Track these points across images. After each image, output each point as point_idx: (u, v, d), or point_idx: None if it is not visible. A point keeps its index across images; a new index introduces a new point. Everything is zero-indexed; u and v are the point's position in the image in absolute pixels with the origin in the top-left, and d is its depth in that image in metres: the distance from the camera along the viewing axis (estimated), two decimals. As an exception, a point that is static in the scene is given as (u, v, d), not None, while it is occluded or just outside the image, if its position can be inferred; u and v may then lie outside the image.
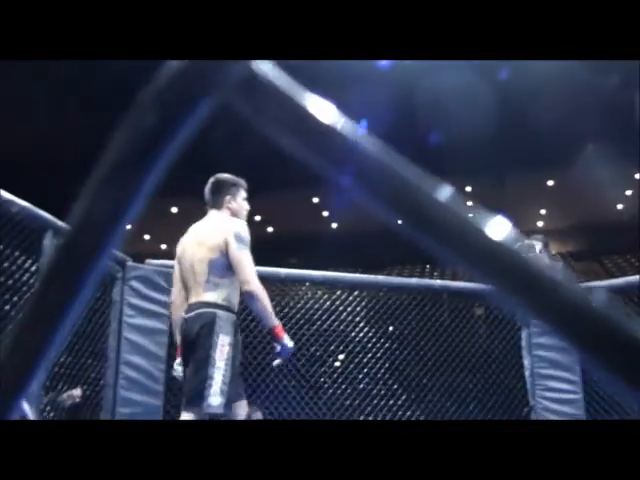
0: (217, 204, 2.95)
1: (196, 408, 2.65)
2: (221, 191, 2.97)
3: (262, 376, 4.83)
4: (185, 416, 2.71)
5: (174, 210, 16.57)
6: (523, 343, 4.83)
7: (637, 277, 4.22)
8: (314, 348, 5.04)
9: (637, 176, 15.23)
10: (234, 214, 2.93)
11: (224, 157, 13.76)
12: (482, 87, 12.13)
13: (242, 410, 2.80)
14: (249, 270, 2.73)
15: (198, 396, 2.63)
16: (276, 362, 2.90)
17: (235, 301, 2.82)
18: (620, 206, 16.95)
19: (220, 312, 2.71)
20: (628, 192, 16.23)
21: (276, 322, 2.77)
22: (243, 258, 2.73)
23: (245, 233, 2.80)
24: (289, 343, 2.76)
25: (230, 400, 2.69)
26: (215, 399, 2.61)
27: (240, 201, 3.01)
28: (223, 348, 2.67)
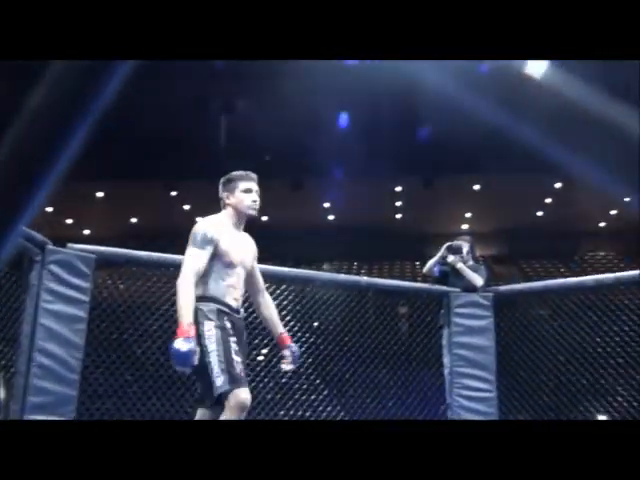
0: (221, 204, 3.07)
1: (208, 401, 2.77)
2: (220, 191, 3.07)
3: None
4: (199, 411, 2.85)
5: (99, 195, 16.06)
6: (444, 342, 4.95)
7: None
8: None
9: (557, 185, 15.89)
10: (235, 208, 3.01)
11: (153, 143, 13.46)
12: (415, 87, 12.31)
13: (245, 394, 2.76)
14: (184, 266, 2.86)
15: (209, 388, 2.73)
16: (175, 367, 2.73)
17: (220, 292, 2.89)
18: (540, 213, 17.65)
19: (201, 304, 2.83)
20: (548, 200, 16.91)
21: (182, 321, 2.68)
22: (185, 255, 2.90)
23: (197, 231, 2.90)
24: (179, 347, 2.61)
25: (236, 376, 2.72)
26: (219, 379, 2.70)
27: (238, 194, 3.01)
28: (210, 333, 2.77)
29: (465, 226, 18.17)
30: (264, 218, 17.66)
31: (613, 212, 17.54)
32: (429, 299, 5.36)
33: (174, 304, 5.29)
